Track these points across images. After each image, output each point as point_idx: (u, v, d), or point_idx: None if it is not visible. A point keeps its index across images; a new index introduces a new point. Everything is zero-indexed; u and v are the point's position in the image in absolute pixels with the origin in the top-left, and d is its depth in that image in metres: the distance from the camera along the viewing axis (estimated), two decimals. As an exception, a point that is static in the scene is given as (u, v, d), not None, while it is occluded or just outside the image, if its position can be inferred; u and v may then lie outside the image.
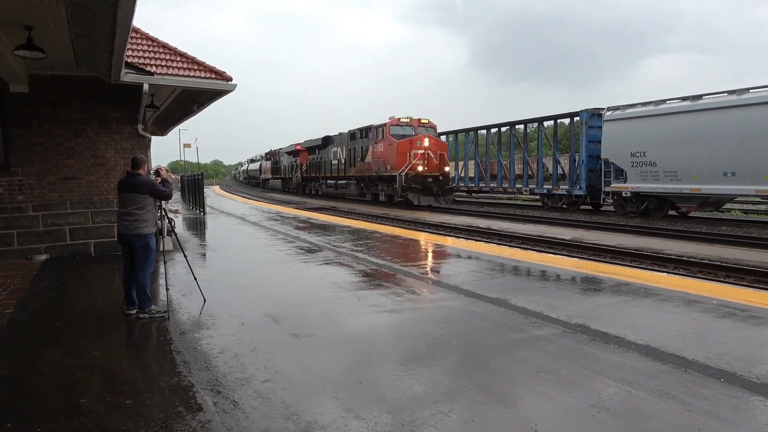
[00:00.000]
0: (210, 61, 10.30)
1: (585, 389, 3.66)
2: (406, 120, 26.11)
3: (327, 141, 34.81)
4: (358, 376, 3.99)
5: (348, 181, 31.22)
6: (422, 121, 26.27)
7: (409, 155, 24.52)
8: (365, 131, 28.56)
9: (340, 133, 33.28)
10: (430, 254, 10.19)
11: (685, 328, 4.99)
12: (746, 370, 3.91)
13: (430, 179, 24.59)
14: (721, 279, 8.79)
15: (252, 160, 74.61)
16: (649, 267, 9.76)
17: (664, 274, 8.27)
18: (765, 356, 4.26)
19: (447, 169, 25.87)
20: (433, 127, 26.64)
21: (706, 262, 10.17)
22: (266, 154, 56.29)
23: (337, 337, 4.98)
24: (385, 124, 26.30)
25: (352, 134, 30.37)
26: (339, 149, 32.74)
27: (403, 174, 24.28)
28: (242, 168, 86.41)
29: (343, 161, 31.84)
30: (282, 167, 48.90)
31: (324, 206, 26.64)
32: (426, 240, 12.09)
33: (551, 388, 3.68)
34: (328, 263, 8.84)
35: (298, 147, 41.26)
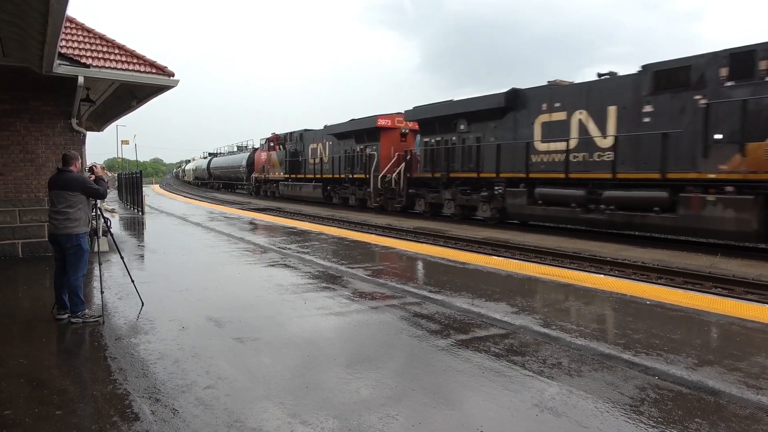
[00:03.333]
0: (150, 56, 9.94)
1: (529, 389, 3.73)
2: None
3: (514, 99, 16.55)
4: (304, 380, 3.92)
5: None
6: None
7: None
8: None
9: (569, 84, 15.67)
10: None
11: (622, 328, 5.19)
12: (676, 368, 4.11)
13: None
14: (653, 280, 9.23)
15: (214, 154, 58.46)
16: (587, 269, 10.13)
17: (602, 276, 8.59)
18: (692, 354, 4.48)
19: None
20: None
21: (640, 264, 10.65)
22: (267, 140, 36.12)
23: (282, 341, 4.87)
24: None
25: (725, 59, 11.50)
26: (589, 115, 14.25)
27: None
28: (188, 166, 72.74)
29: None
30: (312, 163, 29.35)
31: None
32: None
33: (496, 389, 3.74)
34: (273, 265, 8.69)
35: (387, 122, 23.19)
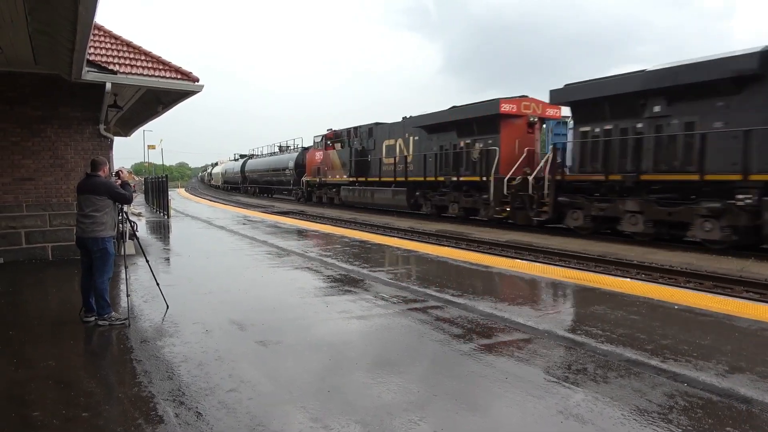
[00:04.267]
0: (175, 61, 10.10)
1: (553, 396, 3.67)
2: None
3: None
4: (326, 384, 3.92)
5: None
6: None
7: None
8: None
9: None
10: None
11: (649, 333, 5.07)
12: (706, 375, 4.00)
13: None
14: (681, 284, 9.02)
15: (249, 156, 52.53)
16: (612, 273, 9.96)
17: (627, 279, 8.43)
18: (722, 360, 4.36)
19: None
20: None
21: (667, 267, 10.42)
22: (323, 138, 30.32)
23: (304, 344, 4.88)
24: None
25: None
26: None
27: None
28: (216, 170, 68.89)
29: None
30: (390, 163, 23.49)
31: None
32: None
33: (520, 395, 3.68)
34: (296, 268, 8.73)
35: (512, 107, 17.73)
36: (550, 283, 7.57)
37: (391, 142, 23.93)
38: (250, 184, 48.84)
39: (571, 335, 5.00)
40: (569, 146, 16.85)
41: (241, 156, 56.89)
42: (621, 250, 12.64)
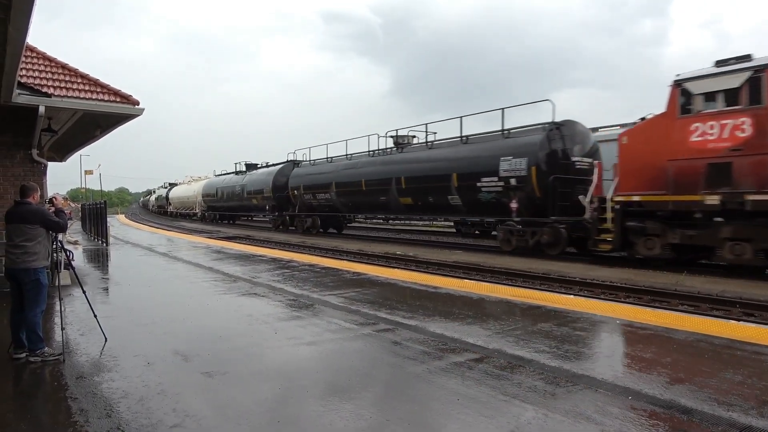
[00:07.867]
0: (122, 85, 9.79)
1: (504, 414, 3.69)
2: None
3: None
4: (276, 414, 3.80)
5: None
6: None
7: None
8: None
9: None
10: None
11: (594, 348, 5.22)
12: (649, 387, 4.13)
13: None
14: (622, 299, 9.37)
15: (294, 162, 29.98)
16: (556, 290, 10.23)
17: (571, 296, 8.68)
18: (663, 373, 4.53)
19: None
20: None
21: (608, 283, 10.80)
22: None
23: (253, 374, 4.73)
24: None
25: None
26: None
27: None
28: (177, 191, 55.39)
29: None
30: None
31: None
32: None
33: (472, 416, 3.69)
34: (243, 295, 8.51)
35: None
36: (498, 301, 7.69)
37: None
38: (319, 212, 26.69)
39: (519, 353, 5.08)
40: None
41: (248, 166, 36.74)
42: (564, 267, 13.01)
